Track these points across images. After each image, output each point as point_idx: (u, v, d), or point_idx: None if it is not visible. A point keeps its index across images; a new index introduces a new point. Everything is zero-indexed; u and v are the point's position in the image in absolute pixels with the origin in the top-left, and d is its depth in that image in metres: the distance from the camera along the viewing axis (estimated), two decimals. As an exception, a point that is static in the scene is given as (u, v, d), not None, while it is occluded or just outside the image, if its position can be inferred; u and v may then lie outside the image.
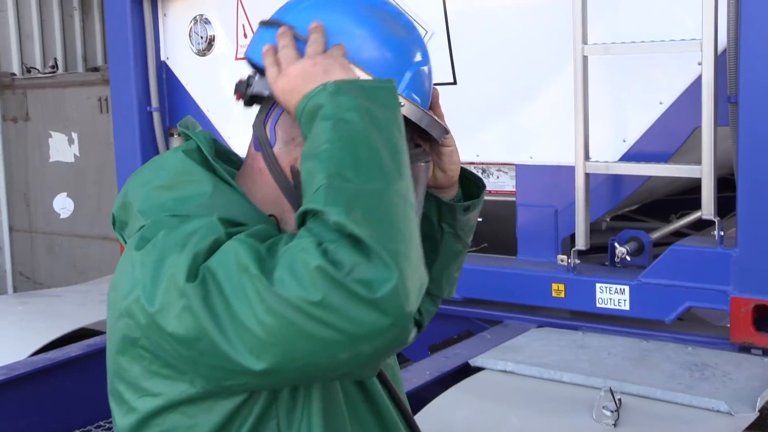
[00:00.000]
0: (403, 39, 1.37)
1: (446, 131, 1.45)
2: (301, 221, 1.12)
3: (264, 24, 1.37)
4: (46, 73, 6.48)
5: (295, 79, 1.25)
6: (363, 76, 1.28)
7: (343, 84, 1.19)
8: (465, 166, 1.58)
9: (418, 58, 1.38)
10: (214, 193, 1.27)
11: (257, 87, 1.32)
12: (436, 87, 1.46)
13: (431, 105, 1.43)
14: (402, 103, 1.28)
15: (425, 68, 1.40)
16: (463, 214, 1.55)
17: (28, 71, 6.61)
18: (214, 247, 1.13)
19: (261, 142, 1.32)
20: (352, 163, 1.12)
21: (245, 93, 1.33)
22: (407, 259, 1.08)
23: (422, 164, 1.40)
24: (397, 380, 1.52)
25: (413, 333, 1.11)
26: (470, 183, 1.59)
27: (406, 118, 1.29)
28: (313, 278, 1.04)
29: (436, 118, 1.39)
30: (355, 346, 1.06)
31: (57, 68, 6.58)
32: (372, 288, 1.04)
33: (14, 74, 6.52)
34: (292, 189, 1.29)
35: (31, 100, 6.36)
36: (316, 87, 1.20)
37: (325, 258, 1.04)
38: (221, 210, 1.23)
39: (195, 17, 4.15)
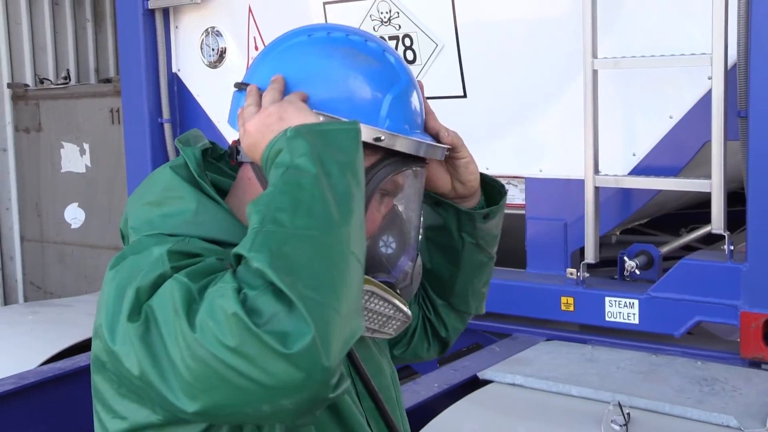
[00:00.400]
0: (372, 69, 1.35)
1: (449, 148, 1.45)
2: (237, 262, 1.10)
3: (236, 87, 1.40)
4: (58, 84, 6.52)
5: (254, 133, 1.25)
6: (322, 118, 1.26)
7: (301, 128, 1.17)
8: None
9: (394, 83, 1.37)
10: (198, 210, 1.27)
11: (243, 153, 1.34)
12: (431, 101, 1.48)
13: (426, 123, 1.44)
14: (381, 137, 1.29)
15: (405, 91, 1.38)
16: (483, 222, 1.55)
17: (41, 82, 6.65)
18: (158, 283, 1.11)
19: None
20: (290, 209, 1.09)
21: (237, 160, 1.36)
22: (332, 310, 1.04)
23: (414, 170, 1.40)
24: (390, 393, 1.49)
25: (341, 386, 1.08)
26: (493, 190, 1.59)
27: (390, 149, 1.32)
28: (229, 325, 1.01)
29: (426, 140, 1.38)
30: (274, 399, 1.03)
31: (69, 79, 6.62)
32: (286, 342, 1.00)
33: (27, 85, 6.56)
34: None
35: (43, 111, 6.40)
36: (277, 135, 1.18)
37: (242, 306, 1.01)
38: (204, 227, 1.24)
39: (206, 29, 4.17)
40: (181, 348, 1.04)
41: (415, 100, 1.41)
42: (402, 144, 1.32)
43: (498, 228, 1.60)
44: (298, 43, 1.37)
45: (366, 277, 1.30)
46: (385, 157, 1.33)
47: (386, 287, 1.33)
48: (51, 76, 6.74)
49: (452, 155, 1.47)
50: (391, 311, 1.35)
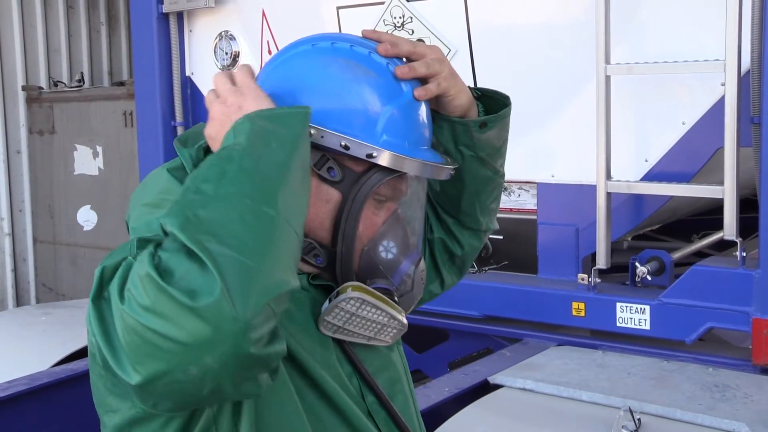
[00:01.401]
0: (372, 82, 1.34)
1: (453, 167, 1.41)
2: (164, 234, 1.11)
3: None
4: (72, 87, 6.55)
5: (216, 124, 1.26)
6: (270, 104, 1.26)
7: (252, 114, 1.19)
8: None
9: (394, 97, 1.35)
10: None
11: None
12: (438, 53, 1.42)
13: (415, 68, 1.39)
14: (374, 153, 1.28)
15: (407, 106, 1.36)
16: (480, 132, 1.50)
17: (55, 85, 6.69)
18: (119, 265, 1.12)
19: None
20: (214, 179, 1.10)
21: None
22: (247, 265, 1.04)
23: (408, 178, 1.38)
24: (401, 386, 1.48)
25: (272, 345, 1.08)
26: (494, 102, 1.55)
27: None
28: (143, 286, 1.03)
29: (425, 159, 1.35)
30: (196, 358, 1.03)
31: (83, 82, 6.65)
32: (195, 296, 1.01)
33: (41, 88, 6.60)
34: None
35: (57, 114, 6.44)
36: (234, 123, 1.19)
37: (155, 267, 1.03)
38: None
39: (220, 33, 4.19)
40: (117, 322, 1.06)
41: (419, 115, 1.38)
42: (395, 162, 1.30)
43: (500, 140, 1.55)
44: (301, 52, 1.37)
45: (357, 284, 1.32)
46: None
47: (380, 295, 1.33)
48: (65, 78, 6.78)
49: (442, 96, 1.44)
50: (385, 319, 1.34)
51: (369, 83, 1.33)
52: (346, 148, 1.28)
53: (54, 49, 6.75)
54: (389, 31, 3.58)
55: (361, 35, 1.41)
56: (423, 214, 1.49)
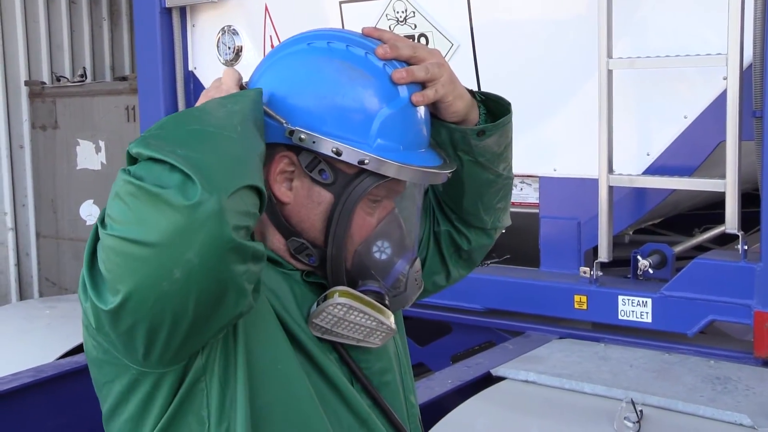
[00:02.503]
0: (367, 84, 1.32)
1: (450, 171, 1.39)
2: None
3: None
4: (75, 82, 6.57)
5: None
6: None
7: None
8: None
9: (390, 100, 1.33)
10: None
11: None
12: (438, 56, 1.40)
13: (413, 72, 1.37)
14: (366, 159, 1.27)
15: (404, 109, 1.34)
16: (477, 139, 1.48)
17: (58, 80, 6.70)
18: None
19: None
20: (175, 118, 1.17)
21: None
22: (206, 162, 1.08)
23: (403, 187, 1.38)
24: (391, 390, 1.47)
25: (257, 244, 1.12)
26: (498, 106, 1.53)
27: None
28: (117, 196, 1.08)
29: (420, 165, 1.33)
30: (177, 255, 1.05)
31: (86, 77, 6.66)
32: (164, 186, 1.05)
33: (44, 83, 6.61)
34: (273, 205, 1.33)
35: (60, 109, 6.45)
36: None
37: (126, 175, 1.08)
38: None
39: (223, 28, 4.20)
40: (100, 253, 1.10)
41: (416, 118, 1.36)
42: (387, 169, 1.29)
43: (500, 145, 1.52)
44: (296, 51, 1.35)
45: (344, 290, 1.32)
46: None
47: (368, 299, 1.32)
48: (67, 73, 6.79)
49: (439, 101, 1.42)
50: (373, 324, 1.33)
51: (364, 86, 1.31)
52: (338, 153, 1.28)
53: (56, 44, 6.76)
54: (391, 27, 3.59)
55: (361, 32, 1.40)
56: (420, 213, 1.49)
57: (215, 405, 1.21)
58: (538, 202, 3.45)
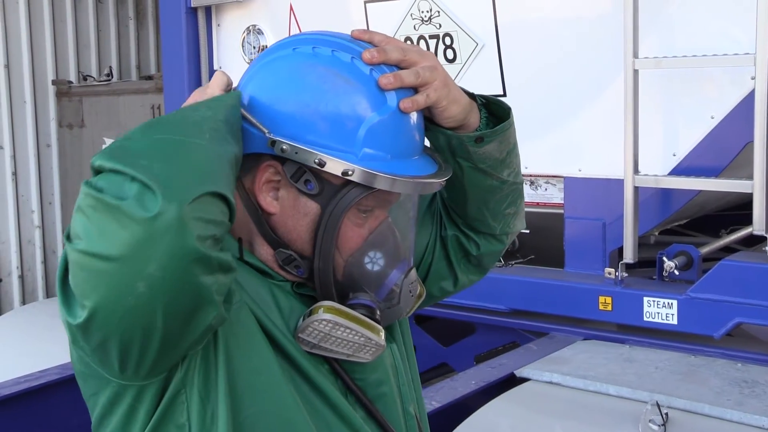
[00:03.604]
0: (352, 91, 1.26)
1: (442, 181, 1.32)
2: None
3: None
4: (101, 81, 6.61)
5: None
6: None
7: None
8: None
9: (377, 107, 1.26)
10: None
11: None
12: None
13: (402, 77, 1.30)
14: (350, 170, 1.22)
15: (392, 116, 1.27)
16: (476, 146, 1.40)
17: (84, 79, 6.75)
18: None
19: None
20: (142, 128, 1.12)
21: None
22: (166, 172, 1.04)
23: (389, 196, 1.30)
24: (388, 401, 1.41)
25: (217, 246, 1.08)
26: (499, 110, 1.45)
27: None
28: (79, 210, 1.05)
29: (407, 176, 1.26)
30: (139, 269, 1.02)
31: (112, 76, 6.70)
32: (123, 198, 1.02)
33: (71, 82, 6.66)
34: (259, 215, 1.30)
35: (86, 107, 6.50)
36: None
37: (87, 188, 1.05)
38: None
39: (248, 27, 4.22)
40: (69, 268, 1.08)
41: (406, 125, 1.29)
42: (372, 180, 1.23)
43: (501, 152, 1.44)
44: (281, 57, 1.30)
45: (330, 305, 1.27)
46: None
47: (355, 315, 1.27)
48: (94, 72, 6.84)
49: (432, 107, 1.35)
50: (361, 340, 1.28)
51: (348, 93, 1.25)
52: (321, 164, 1.22)
53: (83, 43, 6.82)
54: (416, 26, 3.58)
55: (350, 35, 1.34)
56: (416, 222, 1.43)
57: (196, 417, 1.19)
58: (562, 202, 3.43)
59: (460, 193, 1.49)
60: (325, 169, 1.23)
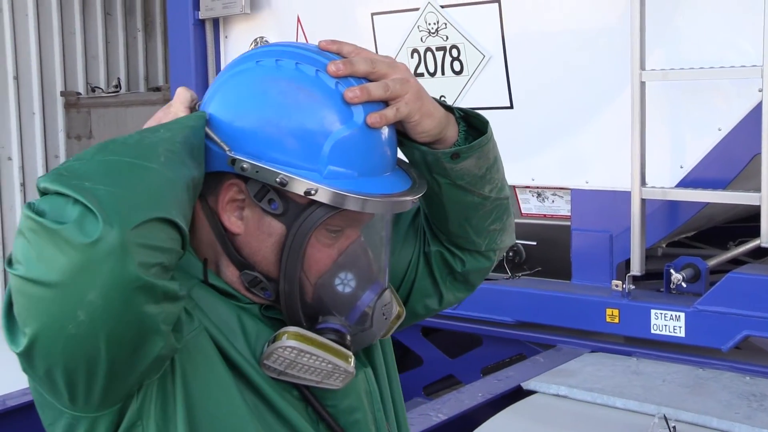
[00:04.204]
0: (315, 106, 1.20)
1: (415, 197, 1.25)
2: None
3: None
4: (109, 93, 6.64)
5: None
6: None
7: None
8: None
9: (343, 122, 1.20)
10: None
11: None
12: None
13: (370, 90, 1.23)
14: (312, 190, 1.16)
15: (358, 131, 1.21)
16: (452, 162, 1.32)
17: (93, 90, 6.77)
18: None
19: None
20: (94, 150, 1.08)
21: None
22: (112, 193, 1.00)
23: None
24: (361, 428, 1.33)
25: (165, 274, 1.03)
26: (479, 123, 1.37)
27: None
28: (20, 233, 1.01)
29: (375, 194, 1.19)
30: (78, 297, 0.98)
31: (120, 88, 6.73)
32: (62, 222, 0.97)
33: (79, 93, 6.69)
34: (224, 236, 1.24)
35: (94, 119, 6.52)
36: None
37: (28, 210, 1.01)
38: None
39: (255, 39, 4.23)
40: (12, 296, 1.04)
41: (375, 140, 1.23)
42: (336, 200, 1.17)
43: (480, 168, 1.36)
44: (244, 70, 1.24)
45: (294, 331, 1.21)
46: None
47: (321, 341, 1.21)
48: (102, 84, 6.87)
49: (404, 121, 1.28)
50: (329, 367, 1.22)
51: (312, 108, 1.19)
52: (283, 183, 1.16)
53: (92, 55, 6.84)
54: (423, 38, 3.59)
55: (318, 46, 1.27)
56: (389, 240, 1.35)
57: None
58: (569, 214, 3.43)
59: (439, 209, 1.41)
60: (287, 188, 1.17)
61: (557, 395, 2.84)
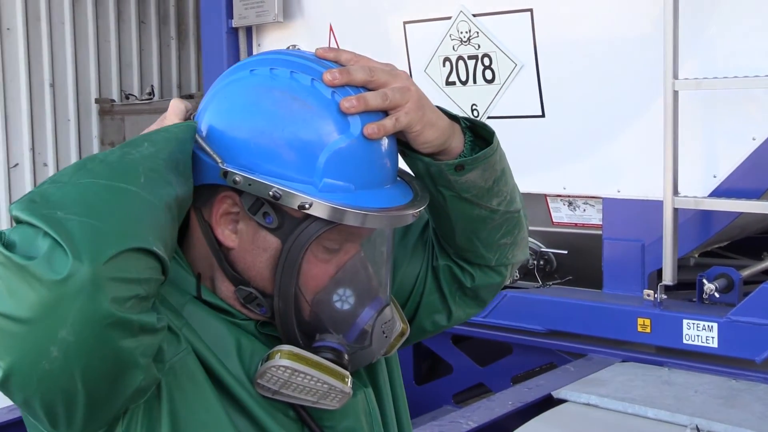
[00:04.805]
0: (309, 117, 1.15)
1: (414, 211, 1.20)
2: None
3: None
4: (143, 100, 6.71)
5: None
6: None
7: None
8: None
9: (340, 133, 1.15)
10: None
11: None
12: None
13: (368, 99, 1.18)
14: (306, 204, 1.12)
15: (355, 142, 1.16)
16: (456, 174, 1.27)
17: (126, 98, 6.86)
18: None
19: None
20: (72, 170, 1.04)
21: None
22: (86, 224, 0.96)
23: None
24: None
25: (141, 308, 0.99)
26: (485, 134, 1.32)
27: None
28: None
29: (372, 208, 1.14)
30: (50, 334, 0.95)
31: (153, 95, 6.81)
32: (32, 257, 0.94)
33: (113, 100, 6.77)
34: (218, 250, 1.21)
35: (128, 126, 6.59)
36: None
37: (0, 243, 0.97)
38: None
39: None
40: None
41: (373, 151, 1.18)
42: (332, 214, 1.12)
43: (486, 180, 1.30)
44: (238, 80, 1.21)
45: (288, 350, 1.18)
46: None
47: (316, 360, 1.17)
48: (136, 91, 6.95)
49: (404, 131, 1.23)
50: (324, 387, 1.18)
51: (306, 119, 1.15)
52: (276, 197, 1.12)
53: (126, 63, 6.93)
54: (455, 47, 3.60)
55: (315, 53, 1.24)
56: (391, 254, 1.30)
57: None
58: (601, 223, 3.42)
59: (446, 222, 1.36)
60: (281, 202, 1.13)
61: (588, 404, 2.83)
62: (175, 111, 1.22)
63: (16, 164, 6.20)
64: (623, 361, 3.26)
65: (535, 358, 3.66)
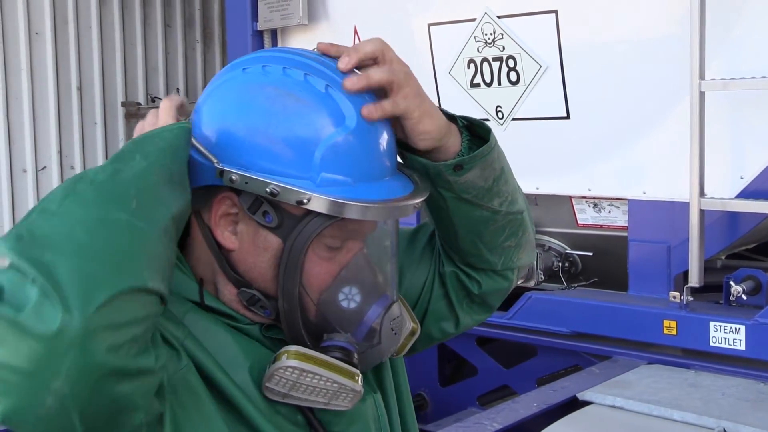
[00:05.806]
0: (304, 112, 1.14)
1: (416, 203, 1.19)
2: None
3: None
4: (168, 103, 6.76)
5: None
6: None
7: (133, 138, 1.13)
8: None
9: (335, 127, 1.14)
10: None
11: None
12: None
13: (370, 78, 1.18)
14: (305, 199, 1.10)
15: (353, 135, 1.15)
16: (455, 175, 1.26)
17: (152, 101, 6.90)
18: None
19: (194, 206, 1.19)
20: (61, 196, 1.00)
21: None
22: (75, 267, 0.93)
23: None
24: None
25: (133, 353, 0.96)
26: (483, 132, 1.31)
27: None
28: None
29: (371, 200, 1.13)
30: (43, 385, 0.92)
31: (179, 98, 6.86)
32: (20, 309, 0.91)
33: (139, 103, 6.82)
34: (219, 252, 1.19)
35: (154, 129, 6.64)
36: None
37: None
38: None
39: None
40: None
41: (371, 141, 1.17)
42: (331, 208, 1.11)
43: (486, 179, 1.29)
44: (231, 79, 1.20)
45: (295, 351, 1.15)
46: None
47: (324, 360, 1.15)
48: (162, 94, 7.00)
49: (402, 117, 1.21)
50: (334, 386, 1.16)
51: (301, 113, 1.14)
52: (274, 194, 1.11)
53: (152, 66, 6.98)
54: (479, 49, 3.60)
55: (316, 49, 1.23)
56: (396, 250, 1.28)
57: None
58: (626, 225, 3.40)
59: (448, 226, 1.35)
60: (279, 199, 1.11)
61: (613, 406, 2.82)
62: (168, 112, 1.20)
63: (44, 167, 6.27)
64: (649, 363, 3.24)
65: (560, 360, 3.65)
